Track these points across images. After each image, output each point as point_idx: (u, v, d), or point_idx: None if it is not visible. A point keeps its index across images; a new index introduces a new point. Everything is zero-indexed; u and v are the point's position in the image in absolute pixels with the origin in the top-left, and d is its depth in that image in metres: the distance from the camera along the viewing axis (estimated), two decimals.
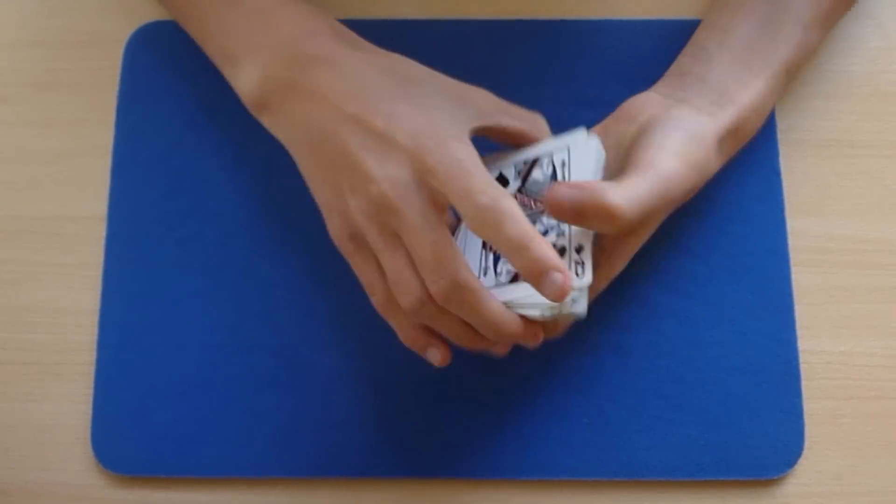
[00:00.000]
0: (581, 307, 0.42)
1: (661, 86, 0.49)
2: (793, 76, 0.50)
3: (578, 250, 0.43)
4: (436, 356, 0.44)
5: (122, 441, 0.49)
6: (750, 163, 0.52)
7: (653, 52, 0.51)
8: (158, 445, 0.48)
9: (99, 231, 0.52)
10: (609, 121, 0.48)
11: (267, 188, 0.52)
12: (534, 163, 0.46)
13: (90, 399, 0.49)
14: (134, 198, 0.52)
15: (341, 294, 0.50)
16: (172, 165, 0.52)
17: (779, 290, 0.50)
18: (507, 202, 0.40)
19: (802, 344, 0.50)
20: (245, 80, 0.47)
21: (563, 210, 0.40)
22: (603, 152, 0.45)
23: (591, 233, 0.43)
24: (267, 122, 0.47)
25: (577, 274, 0.42)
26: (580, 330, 0.49)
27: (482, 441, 0.48)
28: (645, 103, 0.47)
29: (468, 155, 0.41)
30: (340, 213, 0.44)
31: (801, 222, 0.51)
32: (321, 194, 0.45)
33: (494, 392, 0.49)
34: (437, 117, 0.42)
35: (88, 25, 0.55)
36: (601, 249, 0.45)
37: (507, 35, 0.54)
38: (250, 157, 0.52)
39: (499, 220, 0.39)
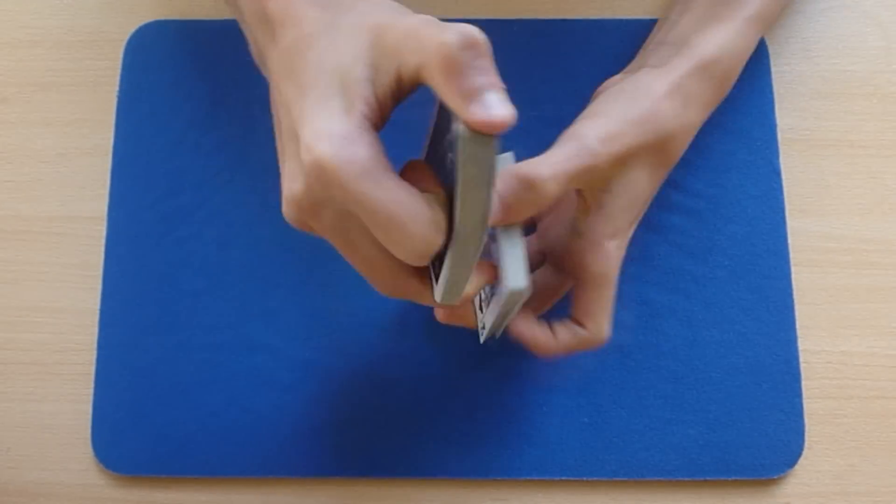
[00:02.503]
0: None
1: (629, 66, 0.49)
2: (772, 19, 0.49)
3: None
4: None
5: (122, 441, 0.49)
6: (750, 163, 0.52)
7: None
8: (158, 445, 0.48)
9: (99, 231, 0.52)
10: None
11: (267, 188, 0.52)
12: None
13: (90, 399, 0.49)
14: (134, 198, 0.52)
15: (341, 294, 0.50)
16: (172, 165, 0.52)
17: (779, 290, 0.50)
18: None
19: (802, 344, 0.50)
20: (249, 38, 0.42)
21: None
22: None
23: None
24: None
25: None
26: None
27: (482, 441, 0.48)
28: (603, 86, 0.47)
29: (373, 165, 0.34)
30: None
31: (801, 222, 0.51)
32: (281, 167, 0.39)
33: (494, 392, 0.49)
34: (337, 108, 0.34)
35: (88, 25, 0.55)
36: (579, 235, 0.43)
37: (507, 35, 0.54)
38: (250, 157, 0.52)
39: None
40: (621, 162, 0.42)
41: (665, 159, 0.45)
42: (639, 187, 0.43)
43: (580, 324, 0.44)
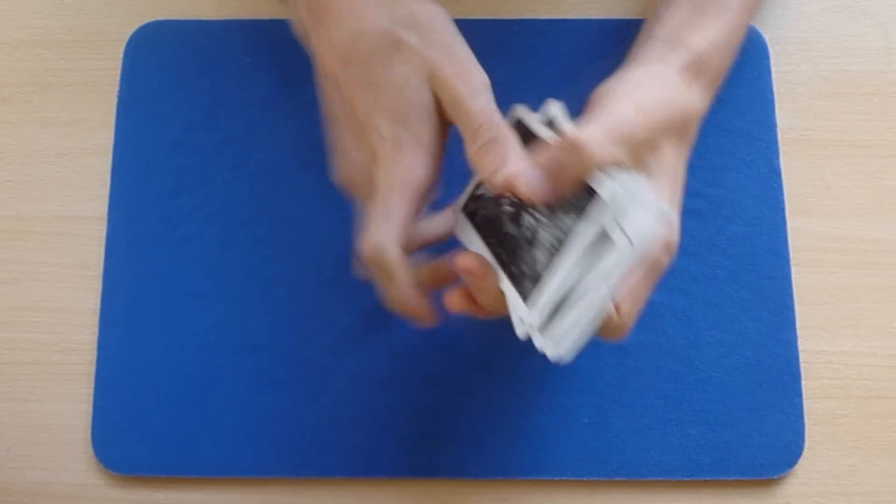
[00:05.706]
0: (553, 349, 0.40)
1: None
2: (758, 5, 0.49)
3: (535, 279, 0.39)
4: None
5: (122, 441, 0.49)
6: (750, 163, 0.52)
7: None
8: (158, 445, 0.48)
9: (99, 231, 0.52)
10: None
11: (267, 188, 0.52)
12: None
13: (90, 399, 0.49)
14: (134, 198, 0.52)
15: (341, 294, 0.50)
16: (172, 165, 0.52)
17: (779, 290, 0.50)
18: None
19: (802, 344, 0.50)
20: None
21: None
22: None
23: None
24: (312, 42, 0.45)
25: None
26: None
27: (482, 441, 0.48)
28: (603, 87, 0.45)
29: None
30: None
31: (801, 222, 0.51)
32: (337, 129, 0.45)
33: (494, 392, 0.49)
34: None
35: (88, 25, 0.55)
36: None
37: (507, 35, 0.54)
38: (250, 157, 0.52)
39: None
40: (655, 136, 0.41)
41: (687, 138, 0.44)
42: (671, 166, 0.42)
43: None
